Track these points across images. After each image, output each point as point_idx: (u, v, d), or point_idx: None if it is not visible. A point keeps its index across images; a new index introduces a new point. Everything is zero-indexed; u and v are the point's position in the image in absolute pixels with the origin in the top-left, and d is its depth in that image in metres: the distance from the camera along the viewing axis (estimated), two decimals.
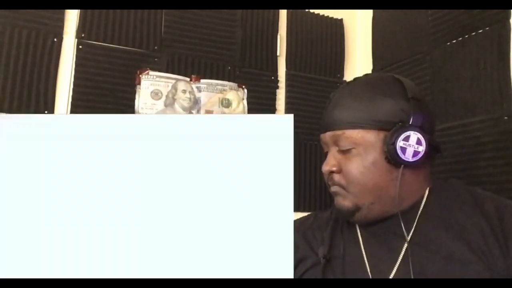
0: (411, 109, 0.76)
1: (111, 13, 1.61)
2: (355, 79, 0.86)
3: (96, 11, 1.59)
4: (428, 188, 0.81)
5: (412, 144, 0.75)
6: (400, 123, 0.76)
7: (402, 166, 0.76)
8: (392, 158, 0.75)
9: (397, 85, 0.79)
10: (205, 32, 1.75)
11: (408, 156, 0.75)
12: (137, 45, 1.65)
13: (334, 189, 0.82)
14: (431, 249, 0.73)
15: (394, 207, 0.77)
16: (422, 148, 0.75)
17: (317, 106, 1.85)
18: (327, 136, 0.82)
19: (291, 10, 1.92)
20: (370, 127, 0.77)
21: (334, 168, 0.80)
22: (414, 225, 0.77)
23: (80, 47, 1.57)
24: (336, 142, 0.80)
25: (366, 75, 0.89)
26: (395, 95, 0.77)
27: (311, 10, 1.96)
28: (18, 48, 1.47)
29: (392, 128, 0.75)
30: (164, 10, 1.69)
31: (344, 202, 0.80)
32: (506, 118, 1.27)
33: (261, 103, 1.80)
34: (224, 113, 1.72)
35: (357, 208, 0.79)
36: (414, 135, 0.75)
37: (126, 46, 1.63)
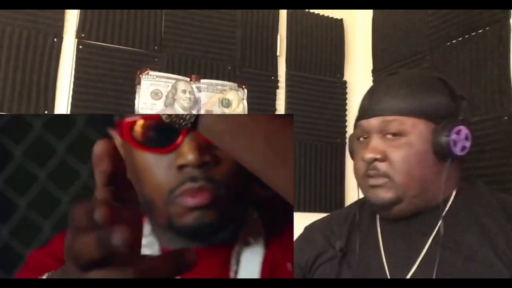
0: (460, 105, 0.77)
1: (111, 13, 1.61)
2: (397, 71, 0.85)
3: (96, 11, 1.59)
4: (455, 189, 0.79)
5: (462, 139, 0.74)
6: (450, 118, 0.75)
7: (450, 160, 0.74)
8: (442, 150, 0.74)
9: (444, 82, 0.79)
10: (205, 32, 1.75)
11: (458, 150, 0.74)
12: (137, 45, 1.65)
13: (375, 180, 0.77)
14: (454, 249, 0.72)
15: (429, 202, 0.76)
16: (468, 144, 0.75)
17: (317, 106, 1.84)
18: (373, 121, 0.77)
19: (291, 10, 1.91)
20: (422, 117, 0.75)
21: (379, 156, 0.75)
22: (439, 223, 0.74)
23: (80, 47, 1.57)
24: (384, 128, 0.76)
25: (407, 70, 0.88)
26: (445, 90, 0.77)
27: (311, 10, 1.96)
28: (18, 48, 1.48)
29: (441, 122, 0.75)
30: (164, 10, 1.69)
31: (387, 194, 0.76)
32: (506, 118, 1.27)
33: (261, 103, 1.80)
34: (224, 113, 1.72)
35: (398, 201, 0.76)
36: (464, 130, 0.75)
37: (126, 46, 1.63)
